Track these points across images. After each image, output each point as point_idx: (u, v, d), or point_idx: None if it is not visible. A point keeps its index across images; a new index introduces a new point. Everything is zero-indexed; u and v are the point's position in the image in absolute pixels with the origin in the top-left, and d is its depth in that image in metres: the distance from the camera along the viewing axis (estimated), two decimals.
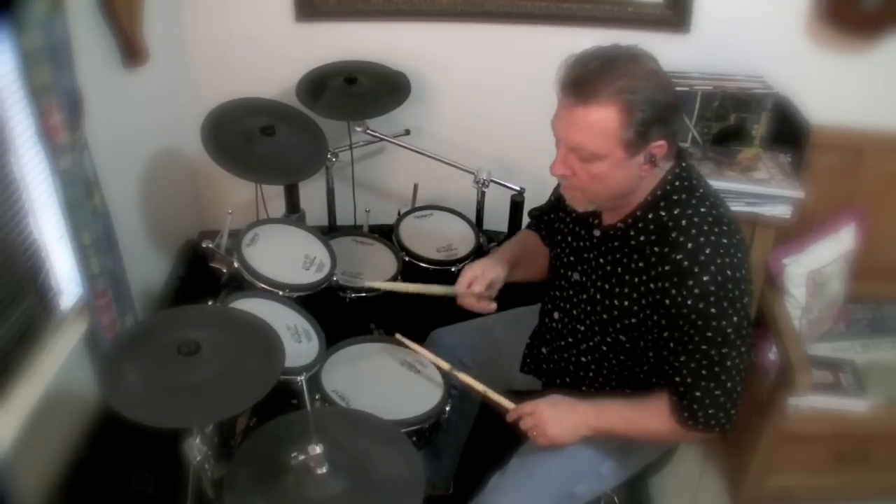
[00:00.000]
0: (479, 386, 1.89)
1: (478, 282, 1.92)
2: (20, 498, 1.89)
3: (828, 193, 2.67)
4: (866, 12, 2.58)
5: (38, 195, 2.04)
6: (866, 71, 2.71)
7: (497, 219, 2.77)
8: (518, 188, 2.64)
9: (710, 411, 1.66)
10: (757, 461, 2.42)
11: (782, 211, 2.52)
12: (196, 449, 1.70)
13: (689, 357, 1.63)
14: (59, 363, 2.10)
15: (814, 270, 2.49)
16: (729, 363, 1.62)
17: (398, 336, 2.04)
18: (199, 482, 1.79)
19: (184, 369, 1.57)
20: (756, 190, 2.50)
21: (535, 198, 2.56)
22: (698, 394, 1.65)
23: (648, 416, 1.75)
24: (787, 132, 2.69)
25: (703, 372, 1.63)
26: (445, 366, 1.97)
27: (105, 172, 2.14)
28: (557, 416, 1.77)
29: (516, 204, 2.66)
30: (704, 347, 1.61)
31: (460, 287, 1.94)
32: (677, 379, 1.67)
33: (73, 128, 1.91)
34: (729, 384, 1.64)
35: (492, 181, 2.62)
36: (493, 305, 1.96)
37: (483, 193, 2.67)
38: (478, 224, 2.72)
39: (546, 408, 1.78)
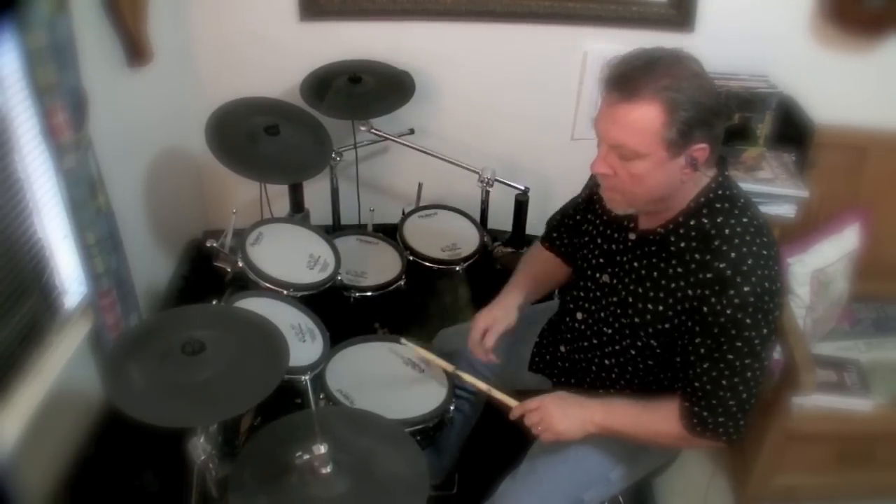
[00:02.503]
0: (482, 385, 1.89)
1: (490, 335, 1.92)
2: (25, 496, 1.89)
3: (832, 192, 2.67)
4: (870, 12, 2.57)
5: (42, 194, 2.04)
6: (870, 70, 2.70)
7: (501, 218, 2.78)
8: (522, 187, 2.65)
9: (720, 419, 1.65)
10: (761, 460, 2.42)
11: (787, 210, 2.52)
12: (200, 448, 1.70)
13: (713, 365, 1.62)
14: (63, 362, 2.10)
15: (818, 270, 2.48)
16: (749, 374, 1.61)
17: (403, 340, 2.04)
18: (204, 481, 1.80)
19: (188, 368, 1.57)
20: (760, 189, 2.50)
21: (540, 197, 2.57)
22: (714, 401, 1.64)
23: (657, 418, 1.74)
24: (792, 131, 2.69)
25: (723, 381, 1.62)
26: (449, 367, 1.97)
27: (109, 171, 2.14)
28: (564, 411, 1.76)
29: (520, 203, 2.66)
30: (730, 357, 1.60)
31: (473, 342, 1.94)
32: (696, 384, 1.65)
33: (77, 127, 1.91)
34: (744, 394, 1.63)
35: (496, 180, 2.62)
36: (497, 360, 1.97)
37: (487, 192, 2.67)
38: (482, 223, 2.72)
39: (552, 402, 1.77)
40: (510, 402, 1.83)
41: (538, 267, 2.10)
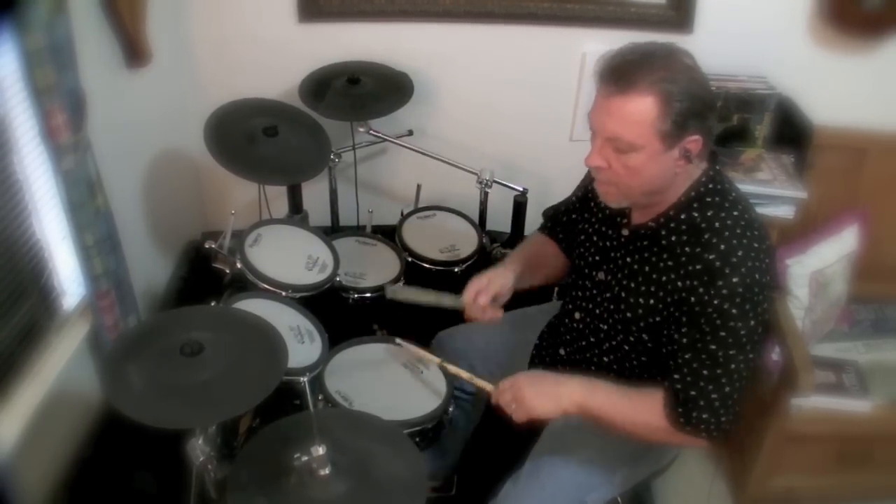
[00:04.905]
0: (464, 374, 1.91)
1: (483, 293, 1.90)
2: (23, 498, 1.89)
3: (831, 194, 2.67)
4: (868, 13, 2.58)
5: (40, 195, 2.04)
6: (869, 71, 2.71)
7: (500, 219, 2.78)
8: (521, 188, 2.65)
9: (703, 415, 1.63)
10: (760, 462, 2.42)
11: (785, 211, 2.52)
12: (199, 449, 1.70)
13: (695, 355, 1.62)
14: (62, 363, 2.10)
15: (817, 271, 2.48)
16: (733, 366, 1.60)
17: (398, 340, 2.05)
18: (202, 483, 1.79)
19: (187, 370, 1.57)
20: (759, 190, 2.50)
21: (538, 198, 2.57)
22: (694, 393, 1.63)
23: (640, 406, 1.70)
24: (790, 132, 2.69)
25: (705, 372, 1.61)
26: (435, 360, 1.98)
27: (108, 173, 2.14)
28: (536, 388, 1.72)
29: (519, 204, 2.66)
30: (713, 347, 1.60)
31: (466, 298, 1.92)
32: (677, 375, 1.65)
33: (76, 128, 1.91)
34: (727, 388, 1.61)
35: (495, 181, 2.62)
36: (500, 314, 1.94)
37: (486, 194, 2.67)
38: (481, 224, 2.72)
39: (524, 379, 1.75)
40: (488, 386, 1.83)
41: (534, 249, 2.11)
